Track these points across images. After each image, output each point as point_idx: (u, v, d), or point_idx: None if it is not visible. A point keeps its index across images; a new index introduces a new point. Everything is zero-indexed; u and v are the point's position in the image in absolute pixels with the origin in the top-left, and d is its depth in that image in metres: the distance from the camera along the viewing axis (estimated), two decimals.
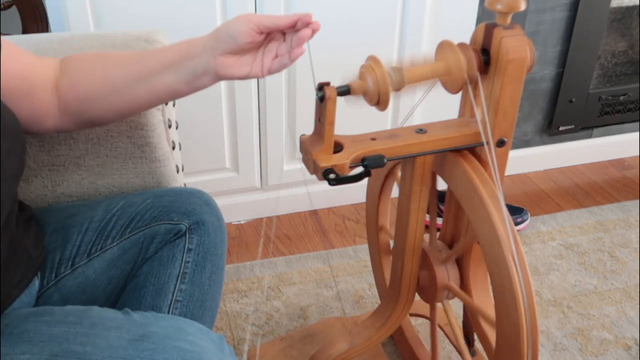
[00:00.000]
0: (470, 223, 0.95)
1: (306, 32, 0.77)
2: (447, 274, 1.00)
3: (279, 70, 0.81)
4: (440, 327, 1.27)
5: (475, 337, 1.13)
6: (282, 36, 0.80)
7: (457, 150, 0.87)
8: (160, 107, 0.97)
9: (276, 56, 0.80)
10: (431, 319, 1.10)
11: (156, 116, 0.96)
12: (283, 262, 1.56)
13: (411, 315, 1.29)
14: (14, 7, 2.05)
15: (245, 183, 1.66)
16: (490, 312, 0.94)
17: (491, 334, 0.99)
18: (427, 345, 1.28)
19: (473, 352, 1.18)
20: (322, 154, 0.81)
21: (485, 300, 1.01)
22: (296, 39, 0.77)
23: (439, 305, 1.09)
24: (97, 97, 0.83)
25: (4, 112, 0.72)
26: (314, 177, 0.83)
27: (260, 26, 0.76)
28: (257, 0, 1.39)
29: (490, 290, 0.86)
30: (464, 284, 1.02)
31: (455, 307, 1.35)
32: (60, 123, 0.85)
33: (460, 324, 1.17)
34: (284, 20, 0.77)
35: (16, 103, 0.77)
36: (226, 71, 0.79)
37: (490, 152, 0.85)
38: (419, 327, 1.35)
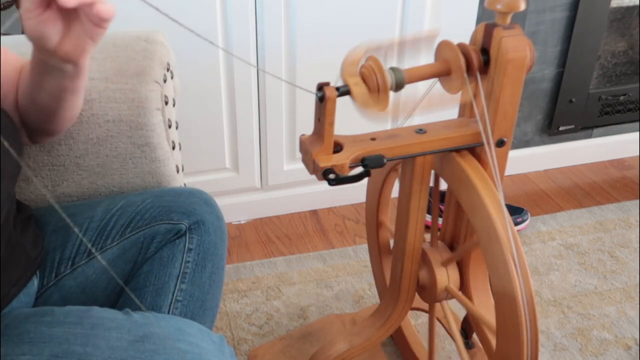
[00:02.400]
0: (470, 224, 0.95)
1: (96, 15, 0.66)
2: (447, 277, 1.00)
3: (108, 19, 0.67)
4: (439, 320, 1.27)
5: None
6: None
7: (457, 150, 0.87)
8: (160, 107, 0.97)
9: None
10: (430, 318, 1.10)
11: (156, 116, 0.96)
12: (283, 262, 1.56)
13: (411, 309, 1.28)
14: (14, 7, 2.05)
15: (245, 183, 1.66)
16: (490, 315, 0.94)
17: (491, 334, 0.99)
18: (427, 345, 1.28)
19: (471, 345, 1.18)
20: (322, 154, 0.81)
21: (485, 302, 1.01)
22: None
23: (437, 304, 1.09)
24: (24, 108, 0.83)
25: (1, 114, 0.72)
26: (314, 177, 0.83)
27: (36, 4, 0.66)
28: (257, 0, 1.40)
29: (490, 291, 0.86)
30: (463, 285, 1.02)
31: (456, 306, 1.35)
32: (27, 134, 0.86)
33: (460, 318, 1.17)
34: None
35: (9, 110, 0.78)
36: (75, 54, 0.72)
37: (490, 152, 0.85)
38: (419, 327, 1.36)
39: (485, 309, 1.04)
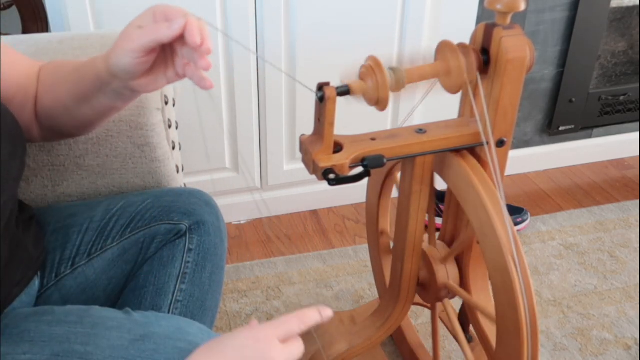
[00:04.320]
0: (470, 224, 0.95)
1: (203, 64, 0.69)
2: (446, 273, 1.00)
3: (197, 76, 0.73)
4: (441, 319, 1.27)
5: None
6: (182, 38, 0.69)
7: (457, 151, 0.87)
8: (160, 107, 0.97)
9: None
10: (432, 318, 1.10)
11: (156, 116, 0.96)
12: (283, 262, 1.56)
13: (413, 304, 1.28)
14: (14, 7, 2.05)
15: (245, 183, 1.66)
16: (490, 309, 0.94)
17: (491, 332, 0.99)
18: (427, 345, 1.28)
19: (470, 338, 1.18)
20: (322, 154, 0.81)
21: (485, 300, 1.01)
22: (196, 77, 0.72)
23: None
24: (54, 114, 0.83)
25: (5, 115, 0.72)
26: (314, 177, 0.83)
27: (144, 50, 0.69)
28: (257, 0, 1.40)
29: (490, 289, 0.86)
30: (463, 284, 1.02)
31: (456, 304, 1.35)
32: (42, 133, 0.86)
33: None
34: (165, 34, 0.67)
35: (14, 112, 0.78)
36: (145, 89, 0.75)
37: (490, 152, 0.85)
38: (419, 327, 1.36)
39: (485, 306, 1.04)
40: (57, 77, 0.82)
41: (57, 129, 0.85)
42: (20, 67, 0.82)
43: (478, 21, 1.56)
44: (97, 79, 0.76)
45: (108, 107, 0.80)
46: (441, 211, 1.64)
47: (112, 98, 0.78)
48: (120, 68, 0.71)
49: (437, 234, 1.06)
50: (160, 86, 0.76)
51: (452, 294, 1.04)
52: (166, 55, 0.73)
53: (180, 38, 0.68)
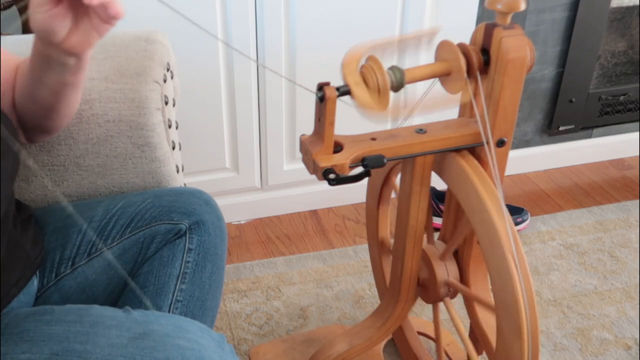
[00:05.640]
0: (470, 224, 0.95)
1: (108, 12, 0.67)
2: (446, 270, 1.01)
3: (117, 18, 0.69)
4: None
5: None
6: None
7: (457, 150, 0.87)
8: (160, 107, 0.97)
9: None
10: (435, 321, 1.10)
11: (156, 116, 0.96)
12: (283, 262, 1.56)
13: (419, 334, 1.29)
14: (14, 7, 2.05)
15: (245, 183, 1.66)
16: (491, 302, 0.94)
17: (491, 333, 0.99)
18: (427, 345, 1.29)
19: None
20: (322, 154, 0.81)
21: (485, 296, 1.01)
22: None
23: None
24: (22, 107, 0.83)
25: (1, 115, 0.72)
26: (314, 177, 0.83)
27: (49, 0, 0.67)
28: (257, 0, 1.40)
29: (491, 289, 0.86)
30: (464, 282, 1.02)
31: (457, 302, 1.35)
32: (25, 134, 0.86)
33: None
34: None
35: (6, 111, 0.78)
36: (80, 48, 0.73)
37: (490, 152, 0.85)
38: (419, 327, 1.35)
39: (485, 309, 1.04)
40: (21, 70, 0.82)
41: (31, 124, 0.86)
42: (11, 65, 0.82)
43: (478, 21, 1.56)
44: (39, 54, 0.75)
45: (60, 82, 0.79)
46: (441, 211, 1.65)
47: (59, 71, 0.76)
48: (41, 30, 0.69)
49: (437, 234, 1.06)
50: (93, 41, 0.72)
51: (452, 293, 1.04)
52: (84, 6, 0.69)
53: None
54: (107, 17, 0.67)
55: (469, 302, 1.05)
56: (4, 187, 0.73)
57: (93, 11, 0.69)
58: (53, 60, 0.75)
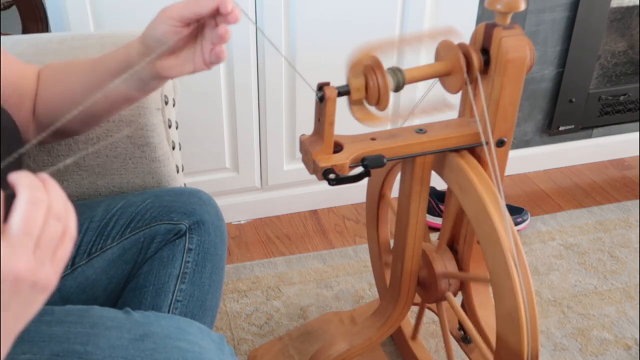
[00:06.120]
0: (470, 223, 0.95)
1: (223, 29, 0.72)
2: (443, 262, 1.01)
3: (217, 62, 0.75)
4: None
5: None
6: (214, 20, 0.73)
7: (457, 150, 0.87)
8: (160, 107, 0.97)
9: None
10: (441, 320, 1.10)
11: (156, 116, 0.96)
12: (283, 262, 1.56)
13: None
14: (14, 7, 2.05)
15: (245, 183, 1.66)
16: (490, 312, 0.94)
17: (491, 332, 0.99)
18: (427, 345, 1.29)
19: (469, 339, 1.18)
20: (322, 154, 0.81)
21: (485, 300, 1.01)
22: (216, 37, 0.73)
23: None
24: (61, 109, 0.83)
25: (2, 113, 0.72)
26: (314, 177, 0.83)
27: (182, 19, 0.71)
28: (257, 0, 1.40)
29: (491, 289, 0.86)
30: (464, 284, 1.02)
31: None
32: (38, 134, 0.86)
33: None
34: (204, 6, 0.70)
35: (11, 112, 0.78)
36: (170, 73, 0.76)
37: (490, 152, 0.85)
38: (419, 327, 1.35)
39: (485, 309, 1.04)
40: (67, 71, 0.83)
41: (62, 127, 0.85)
42: (15, 68, 0.82)
43: (478, 21, 1.56)
44: (124, 61, 0.77)
45: (123, 96, 0.80)
46: (441, 211, 1.64)
47: (131, 85, 0.78)
48: (156, 37, 0.72)
49: (437, 234, 1.06)
50: (185, 71, 0.76)
51: (453, 289, 1.04)
52: (196, 40, 0.75)
53: (213, 19, 0.72)
54: (219, 38, 0.72)
55: (469, 302, 1.05)
56: (4, 187, 0.73)
57: (201, 50, 0.73)
58: (135, 74, 0.76)
